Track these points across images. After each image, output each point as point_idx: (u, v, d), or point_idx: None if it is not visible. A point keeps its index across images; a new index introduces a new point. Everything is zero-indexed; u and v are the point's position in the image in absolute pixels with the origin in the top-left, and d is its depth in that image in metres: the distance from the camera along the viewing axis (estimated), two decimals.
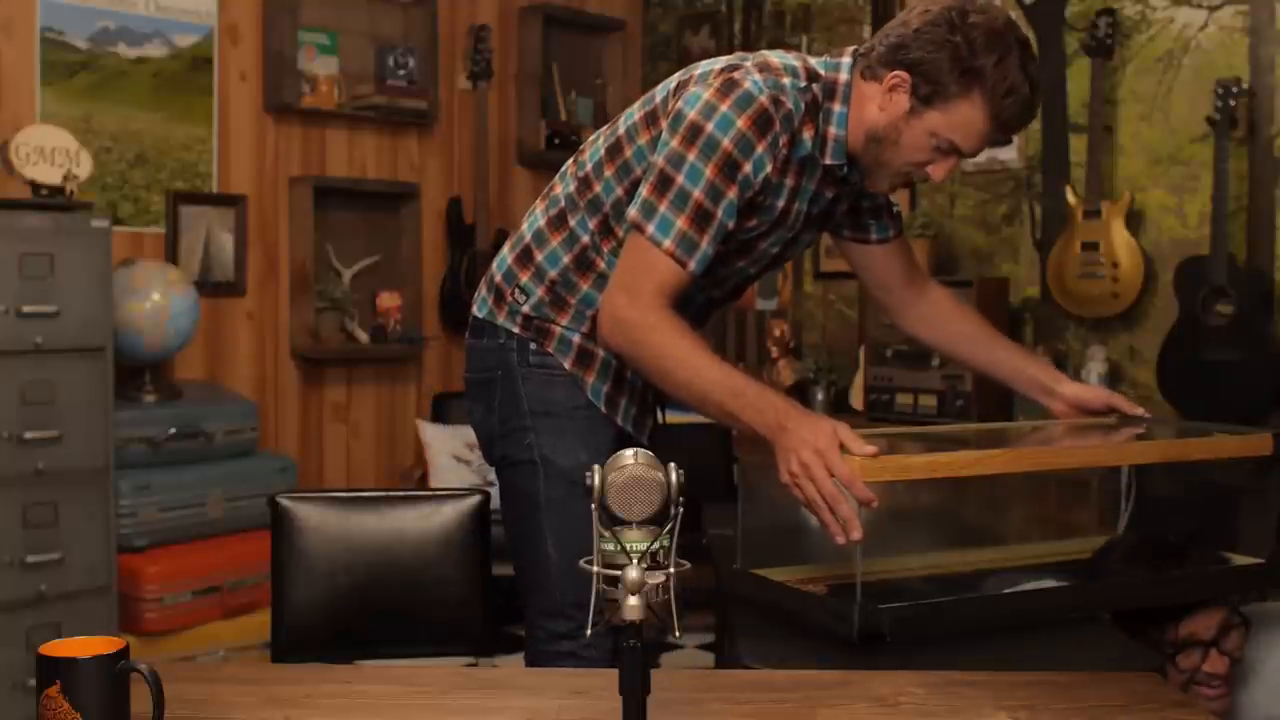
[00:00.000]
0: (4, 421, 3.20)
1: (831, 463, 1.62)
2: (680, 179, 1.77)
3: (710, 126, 1.77)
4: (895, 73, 1.80)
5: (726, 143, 1.77)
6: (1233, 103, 3.70)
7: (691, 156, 1.77)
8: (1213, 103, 3.74)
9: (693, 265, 1.79)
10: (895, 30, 1.83)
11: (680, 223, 1.77)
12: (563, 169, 2.04)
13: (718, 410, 1.76)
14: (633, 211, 1.81)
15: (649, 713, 1.20)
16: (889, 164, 1.87)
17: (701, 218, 1.78)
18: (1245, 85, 3.76)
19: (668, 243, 1.77)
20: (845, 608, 1.65)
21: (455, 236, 4.86)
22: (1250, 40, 3.86)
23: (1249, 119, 3.81)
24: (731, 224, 1.82)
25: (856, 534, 1.63)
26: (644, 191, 1.80)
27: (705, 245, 1.79)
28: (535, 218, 2.02)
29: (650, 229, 1.78)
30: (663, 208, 1.78)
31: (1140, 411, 2.10)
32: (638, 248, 1.81)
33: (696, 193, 1.77)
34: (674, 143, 1.79)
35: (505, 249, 2.06)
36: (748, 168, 1.79)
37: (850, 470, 1.62)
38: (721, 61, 1.87)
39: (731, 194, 1.79)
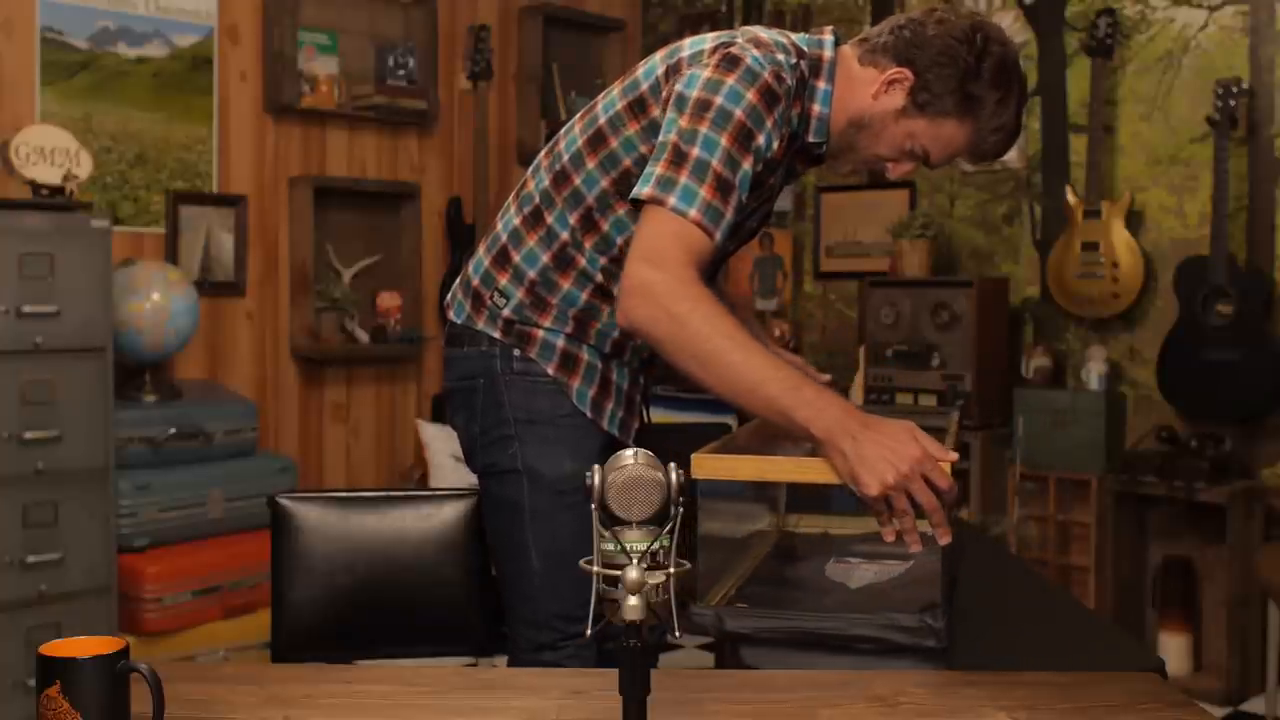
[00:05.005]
0: (4, 421, 3.20)
1: (931, 473, 1.52)
2: (696, 151, 1.69)
3: (720, 100, 1.71)
4: (900, 69, 1.78)
5: (739, 113, 1.71)
6: (1233, 103, 3.70)
7: (704, 129, 1.69)
8: (1213, 103, 3.74)
9: (718, 236, 1.69)
10: (910, 26, 1.80)
11: (704, 192, 1.67)
12: (534, 163, 1.97)
13: (765, 403, 1.59)
14: (646, 189, 1.69)
15: (649, 713, 1.20)
16: (860, 151, 1.86)
17: (723, 187, 1.69)
18: (1245, 85, 3.76)
19: (694, 212, 1.66)
20: (932, 622, 1.58)
21: (455, 236, 4.86)
22: (1250, 40, 3.86)
23: (1249, 119, 3.82)
24: (744, 197, 1.74)
25: (949, 537, 1.55)
26: (657, 169, 1.70)
27: (729, 215, 1.70)
28: (509, 217, 1.96)
29: (672, 200, 1.67)
30: (683, 178, 1.67)
31: None
32: (659, 218, 1.67)
33: (715, 162, 1.68)
34: (682, 121, 1.71)
35: (480, 251, 2.00)
36: (760, 139, 1.73)
37: (950, 479, 1.53)
38: (710, 40, 1.82)
39: (747, 164, 1.72)
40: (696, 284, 1.64)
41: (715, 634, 1.63)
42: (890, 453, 1.52)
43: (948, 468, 1.53)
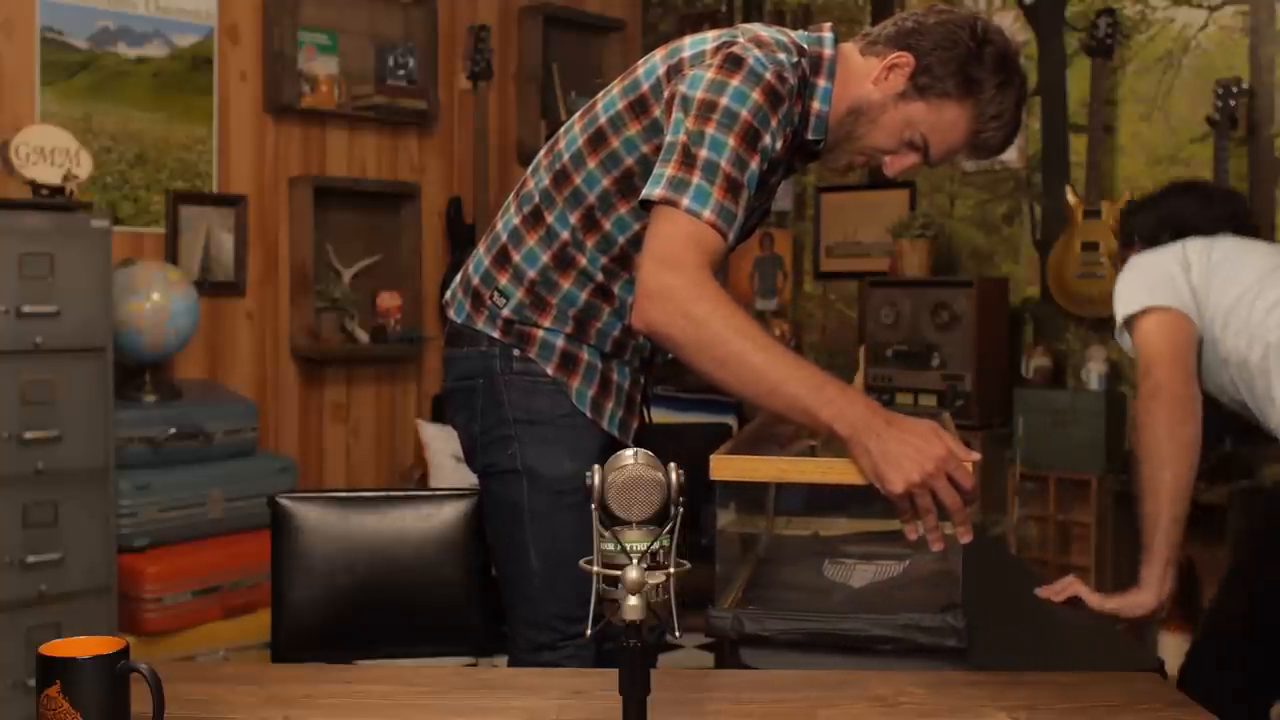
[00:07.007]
0: (4, 421, 3.20)
1: (955, 471, 1.52)
2: (705, 152, 1.68)
3: (725, 100, 1.71)
4: (901, 53, 1.79)
5: (745, 114, 1.70)
6: (1233, 103, 3.70)
7: (711, 130, 1.69)
8: (1213, 103, 3.74)
9: (731, 237, 1.70)
10: (912, 18, 1.82)
11: (716, 193, 1.67)
12: (534, 162, 1.97)
13: (788, 403, 1.59)
14: (659, 190, 1.69)
15: (649, 713, 1.20)
16: (857, 140, 1.85)
17: (733, 187, 1.69)
18: (1245, 85, 3.76)
19: (707, 213, 1.66)
20: (953, 622, 1.59)
21: (455, 236, 4.86)
22: (1250, 40, 3.86)
23: (1249, 119, 3.81)
24: (751, 196, 1.74)
25: (970, 536, 1.55)
26: (668, 170, 1.69)
27: (740, 216, 1.71)
28: (509, 216, 1.96)
29: (686, 201, 1.66)
30: (695, 179, 1.67)
31: None
32: (673, 220, 1.66)
33: (724, 163, 1.68)
34: (689, 122, 1.71)
35: (480, 250, 1.99)
36: (766, 139, 1.73)
37: (973, 479, 1.52)
38: (711, 39, 1.82)
39: (754, 164, 1.72)
40: (713, 284, 1.64)
41: (736, 637, 1.63)
42: (915, 451, 1.52)
43: (971, 467, 1.53)
